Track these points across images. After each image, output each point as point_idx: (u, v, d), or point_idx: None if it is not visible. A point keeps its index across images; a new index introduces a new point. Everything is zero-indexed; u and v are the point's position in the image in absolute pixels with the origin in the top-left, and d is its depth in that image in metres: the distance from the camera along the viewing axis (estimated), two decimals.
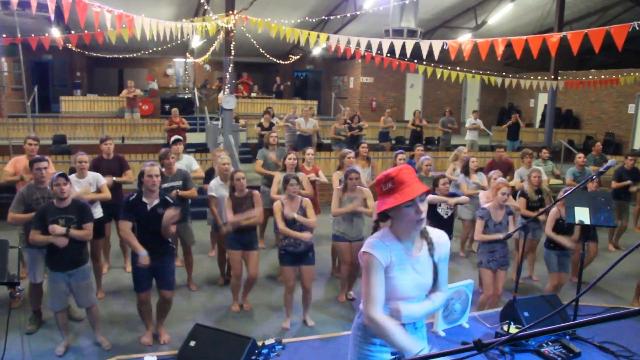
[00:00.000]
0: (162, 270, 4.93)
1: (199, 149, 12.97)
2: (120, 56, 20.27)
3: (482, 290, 5.72)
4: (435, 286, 2.58)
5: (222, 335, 3.18)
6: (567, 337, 5.07)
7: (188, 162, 7.12)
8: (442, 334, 4.45)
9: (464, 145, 14.15)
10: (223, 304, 6.20)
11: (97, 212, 6.16)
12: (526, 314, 5.02)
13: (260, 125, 12.37)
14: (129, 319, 5.62)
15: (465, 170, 7.85)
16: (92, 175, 6.10)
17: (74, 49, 16.01)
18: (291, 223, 5.31)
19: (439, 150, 14.46)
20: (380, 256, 2.41)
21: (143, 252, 4.72)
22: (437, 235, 2.60)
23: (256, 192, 5.84)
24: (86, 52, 18.87)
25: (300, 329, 5.57)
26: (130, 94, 15.83)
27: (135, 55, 19.17)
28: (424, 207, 2.40)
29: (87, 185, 5.99)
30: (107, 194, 6.08)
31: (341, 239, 6.06)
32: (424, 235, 2.55)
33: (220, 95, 12.89)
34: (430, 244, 2.55)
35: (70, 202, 4.73)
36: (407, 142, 15.49)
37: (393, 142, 15.62)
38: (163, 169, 6.25)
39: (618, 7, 17.57)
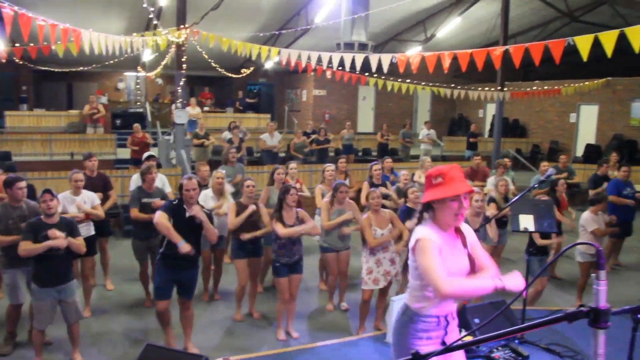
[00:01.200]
0: (187, 279, 5.04)
1: None
2: (69, 70, 19.79)
3: None
4: (478, 268, 2.83)
5: (173, 355, 3.17)
6: (516, 341, 5.24)
7: (162, 182, 7.07)
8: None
9: (418, 155, 14.54)
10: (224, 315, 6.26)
11: (90, 230, 6.11)
12: (476, 320, 5.17)
13: (229, 141, 12.12)
14: (109, 338, 5.57)
15: None
16: (87, 194, 6.11)
17: (19, 62, 15.54)
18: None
19: (402, 161, 14.76)
20: (435, 239, 2.71)
21: (182, 241, 4.76)
22: (465, 228, 2.92)
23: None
24: (32, 66, 18.33)
25: (293, 340, 5.63)
26: (94, 109, 15.29)
27: (84, 69, 18.76)
28: (466, 204, 2.76)
29: (82, 203, 6.01)
30: (100, 212, 6.13)
31: (329, 250, 6.17)
32: (457, 228, 2.87)
33: (173, 107, 12.77)
34: (462, 236, 2.87)
35: (58, 219, 4.78)
36: (374, 153, 15.75)
37: (360, 153, 15.86)
38: (144, 184, 6.33)
39: (557, 22, 18.41)
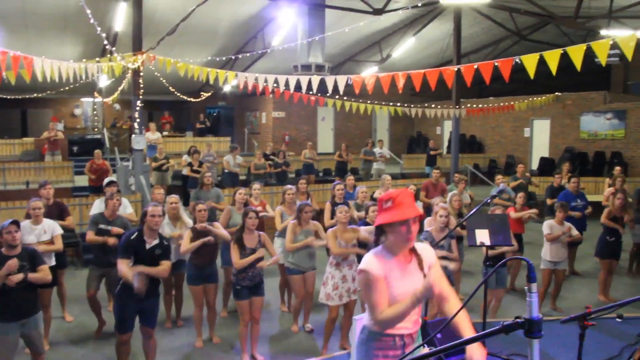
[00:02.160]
0: (149, 309, 4.96)
1: None
2: (23, 97, 19.37)
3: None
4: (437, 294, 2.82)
5: None
6: None
7: (124, 205, 7.01)
8: None
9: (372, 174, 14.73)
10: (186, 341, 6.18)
11: (50, 261, 5.90)
12: (439, 335, 5.25)
13: (189, 164, 12.15)
14: None
15: None
16: (47, 223, 5.91)
17: None
18: (249, 254, 5.44)
19: (362, 180, 14.86)
20: (375, 270, 2.74)
21: (136, 274, 4.67)
22: (422, 247, 2.97)
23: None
24: None
25: None
26: (52, 136, 14.95)
27: (39, 95, 18.40)
28: (415, 228, 2.77)
29: (42, 232, 5.80)
30: (59, 245, 5.93)
31: (295, 271, 6.14)
32: (413, 250, 2.90)
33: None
34: (419, 258, 2.89)
35: (20, 250, 4.62)
36: (333, 173, 15.83)
37: (320, 174, 15.90)
38: (105, 211, 6.25)
39: (508, 40, 19.10)
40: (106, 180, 7.39)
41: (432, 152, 16.21)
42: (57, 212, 6.62)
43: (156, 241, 4.92)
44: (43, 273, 4.69)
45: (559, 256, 6.95)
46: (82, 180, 13.12)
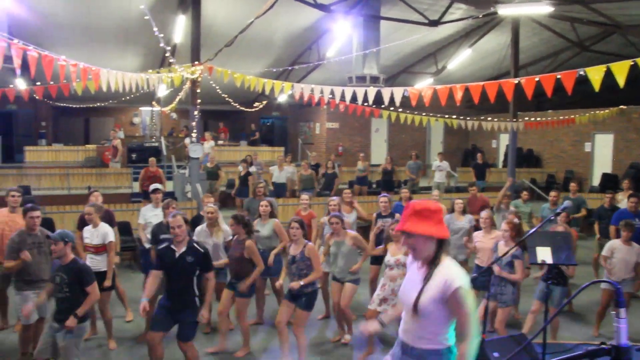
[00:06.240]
0: (182, 321, 4.95)
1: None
2: (86, 106, 20.19)
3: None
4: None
5: None
6: None
7: (103, 232, 6.29)
8: None
9: (430, 187, 14.41)
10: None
11: (102, 265, 6.09)
12: (496, 354, 5.07)
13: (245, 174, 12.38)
14: None
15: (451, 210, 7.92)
16: (102, 229, 6.15)
17: (39, 99, 15.91)
18: (291, 262, 5.54)
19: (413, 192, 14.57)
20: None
21: (144, 298, 4.91)
22: (445, 276, 2.95)
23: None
24: (51, 102, 18.74)
25: None
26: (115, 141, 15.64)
27: (101, 104, 19.12)
28: (412, 242, 2.94)
29: (95, 236, 6.10)
30: (112, 256, 6.10)
31: (333, 279, 6.31)
32: (431, 264, 3.01)
33: (187, 141, 12.96)
34: (430, 274, 2.97)
35: (68, 261, 4.73)
36: (374, 185, 15.67)
37: (374, 185, 15.69)
38: (164, 220, 6.42)
39: (568, 51, 18.47)
40: (152, 187, 7.48)
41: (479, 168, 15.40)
42: (107, 219, 6.75)
43: (184, 248, 4.92)
44: (90, 299, 4.74)
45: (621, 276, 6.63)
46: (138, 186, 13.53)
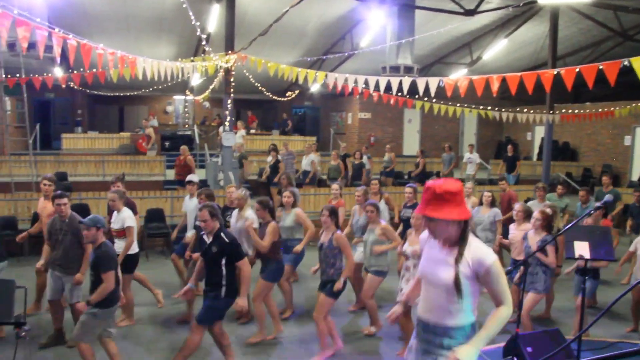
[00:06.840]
0: (204, 303, 5.05)
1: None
2: (121, 94, 20.54)
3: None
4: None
5: None
6: None
7: (122, 217, 6.31)
8: None
9: (463, 179, 14.20)
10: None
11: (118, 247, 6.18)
12: (529, 349, 4.99)
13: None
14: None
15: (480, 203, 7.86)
16: (122, 214, 6.21)
17: (75, 87, 16.24)
18: (319, 249, 5.59)
19: None
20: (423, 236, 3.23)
21: (190, 284, 5.31)
22: (478, 255, 3.02)
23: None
24: (87, 90, 19.10)
25: None
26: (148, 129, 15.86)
27: (135, 93, 19.41)
28: (431, 225, 3.00)
29: (116, 221, 6.22)
30: (129, 241, 6.14)
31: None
32: (458, 244, 3.06)
33: (220, 130, 13.04)
34: (460, 255, 3.02)
35: (96, 247, 4.78)
36: (406, 177, 15.56)
37: (405, 176, 15.58)
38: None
39: (609, 41, 17.90)
40: (187, 179, 7.69)
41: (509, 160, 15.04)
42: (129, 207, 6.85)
43: (212, 238, 4.98)
44: (103, 287, 4.64)
45: None
46: (173, 174, 13.70)
